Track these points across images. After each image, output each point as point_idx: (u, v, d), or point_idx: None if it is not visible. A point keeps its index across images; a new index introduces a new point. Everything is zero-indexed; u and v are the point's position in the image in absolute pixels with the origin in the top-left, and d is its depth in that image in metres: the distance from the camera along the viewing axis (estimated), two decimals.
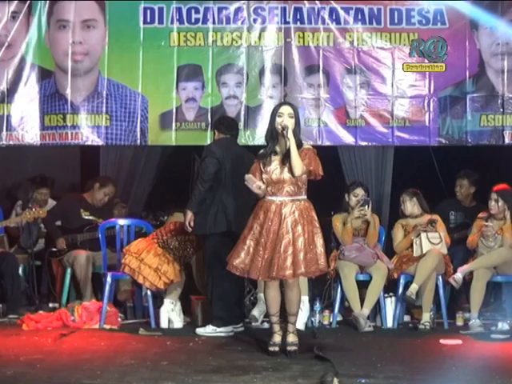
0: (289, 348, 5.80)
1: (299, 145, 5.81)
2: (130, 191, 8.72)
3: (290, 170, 5.74)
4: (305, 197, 5.85)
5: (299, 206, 5.78)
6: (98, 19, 8.05)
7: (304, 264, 5.71)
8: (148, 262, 6.98)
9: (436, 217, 7.43)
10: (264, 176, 5.82)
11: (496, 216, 7.36)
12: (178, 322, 7.09)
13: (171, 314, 7.08)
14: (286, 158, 5.77)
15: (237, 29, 8.06)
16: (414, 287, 7.03)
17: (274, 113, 5.86)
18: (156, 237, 7.16)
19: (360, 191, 7.44)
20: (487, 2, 8.02)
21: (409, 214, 7.47)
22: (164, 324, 7.06)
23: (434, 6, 7.99)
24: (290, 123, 5.77)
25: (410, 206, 7.47)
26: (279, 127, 5.77)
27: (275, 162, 5.83)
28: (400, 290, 7.23)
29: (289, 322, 5.87)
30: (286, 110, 5.84)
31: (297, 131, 5.82)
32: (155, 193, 8.89)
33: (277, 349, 5.82)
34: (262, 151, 5.95)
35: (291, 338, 5.83)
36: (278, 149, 5.86)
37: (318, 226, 5.84)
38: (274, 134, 5.85)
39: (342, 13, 8.02)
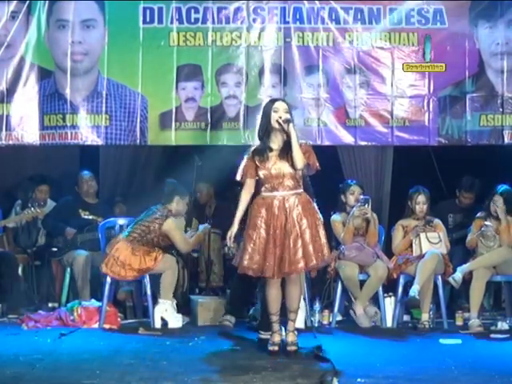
0: (289, 348, 5.78)
1: None
2: (129, 191, 8.72)
3: (291, 164, 5.73)
4: (302, 190, 5.85)
5: (300, 199, 5.77)
6: (98, 19, 8.04)
7: (315, 256, 5.71)
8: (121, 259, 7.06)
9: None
10: (262, 172, 5.79)
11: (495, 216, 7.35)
12: (174, 322, 7.06)
13: (164, 314, 7.05)
14: (284, 152, 5.76)
15: (236, 29, 8.06)
16: (416, 287, 6.99)
17: (268, 109, 5.83)
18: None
19: (356, 188, 7.44)
20: (487, 1, 8.03)
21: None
22: (157, 324, 7.03)
23: (433, 5, 8.01)
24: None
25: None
26: (279, 121, 5.73)
27: (273, 157, 5.81)
28: (400, 290, 7.23)
29: (289, 319, 5.84)
30: (280, 105, 5.83)
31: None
32: (155, 192, 8.86)
33: (276, 348, 5.81)
34: (255, 148, 5.89)
35: (291, 338, 5.80)
36: (272, 145, 5.84)
37: (319, 217, 5.87)
38: (269, 130, 5.83)
39: (341, 13, 8.02)
